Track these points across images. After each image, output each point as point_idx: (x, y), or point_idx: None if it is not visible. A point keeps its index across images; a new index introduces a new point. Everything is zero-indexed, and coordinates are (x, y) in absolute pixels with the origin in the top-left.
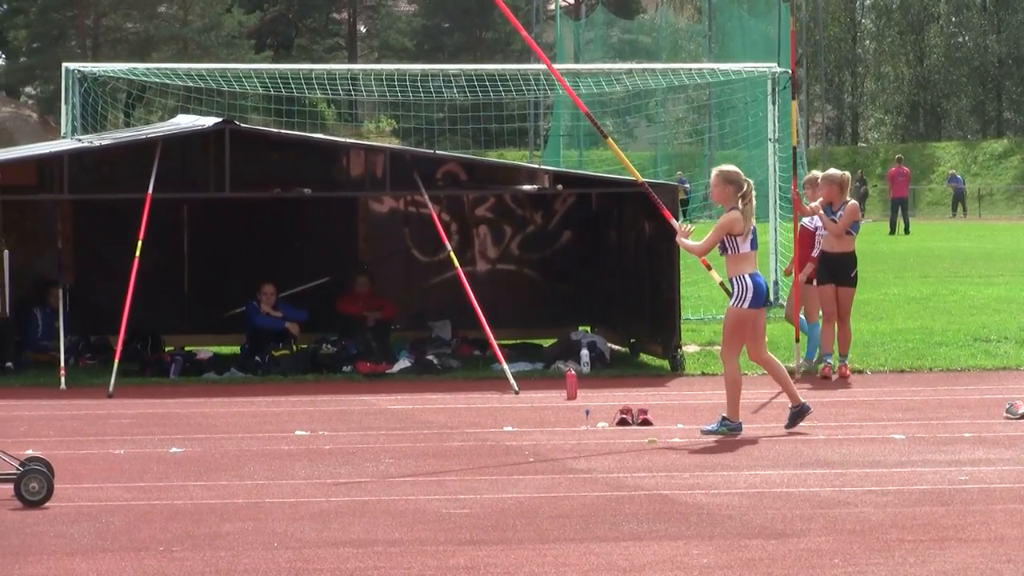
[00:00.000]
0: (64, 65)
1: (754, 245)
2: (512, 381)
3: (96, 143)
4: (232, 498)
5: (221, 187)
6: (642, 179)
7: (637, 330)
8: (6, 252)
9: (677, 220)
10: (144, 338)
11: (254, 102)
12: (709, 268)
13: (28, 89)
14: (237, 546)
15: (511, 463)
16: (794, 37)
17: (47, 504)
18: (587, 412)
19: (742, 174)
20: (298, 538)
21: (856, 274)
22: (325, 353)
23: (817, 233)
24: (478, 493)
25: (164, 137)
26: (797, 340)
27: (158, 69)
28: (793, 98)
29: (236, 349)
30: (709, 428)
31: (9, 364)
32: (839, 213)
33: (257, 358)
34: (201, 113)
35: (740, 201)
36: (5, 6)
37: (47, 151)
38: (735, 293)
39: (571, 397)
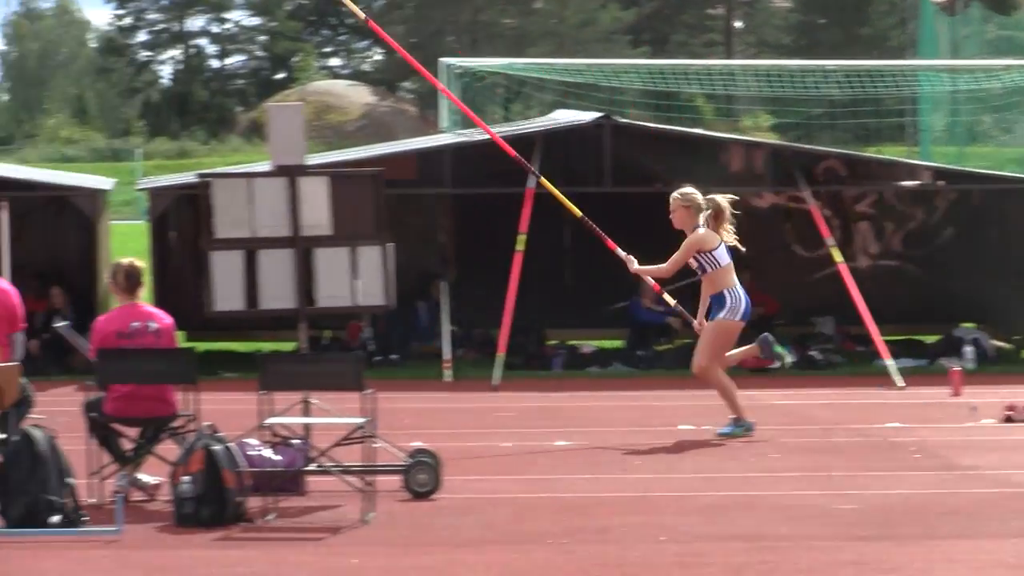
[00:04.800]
0: (440, 60)
1: (731, 255)
2: (897, 377)
3: (476, 138)
4: (619, 492)
5: (602, 181)
6: None
7: (1022, 328)
8: (390, 244)
9: None
10: (526, 332)
11: (631, 97)
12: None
13: (406, 84)
14: (626, 539)
15: (896, 459)
16: None
17: (435, 496)
18: (973, 408)
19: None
20: (686, 532)
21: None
22: None
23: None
24: (864, 489)
25: (544, 132)
26: None
27: (535, 64)
28: None
29: (619, 343)
30: (723, 431)
31: (395, 356)
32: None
33: (640, 352)
34: (579, 108)
35: (703, 219)
36: (382, 0)
37: (428, 145)
38: (727, 304)
39: (956, 393)
